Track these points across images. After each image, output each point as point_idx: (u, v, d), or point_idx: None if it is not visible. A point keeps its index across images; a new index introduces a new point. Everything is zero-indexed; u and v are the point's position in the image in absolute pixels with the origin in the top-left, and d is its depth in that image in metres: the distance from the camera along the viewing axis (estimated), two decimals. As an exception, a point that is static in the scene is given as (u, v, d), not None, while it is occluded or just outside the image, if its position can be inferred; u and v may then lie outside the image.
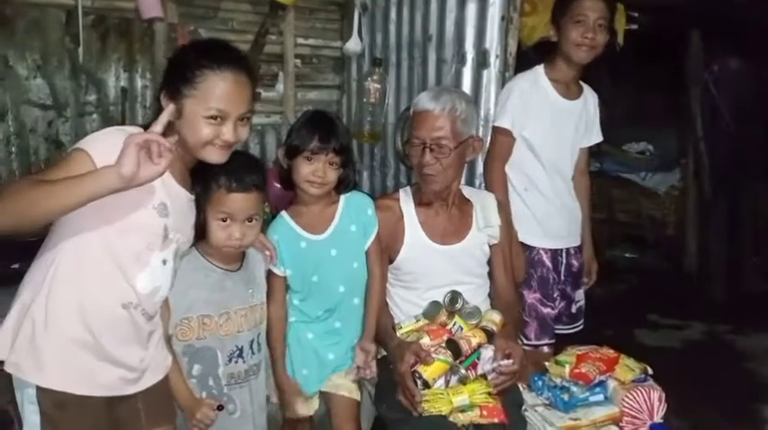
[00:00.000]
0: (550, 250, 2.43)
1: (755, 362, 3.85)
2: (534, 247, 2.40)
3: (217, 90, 1.52)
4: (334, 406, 2.09)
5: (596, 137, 2.54)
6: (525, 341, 2.38)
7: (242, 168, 1.71)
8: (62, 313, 1.47)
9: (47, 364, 1.46)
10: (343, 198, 2.05)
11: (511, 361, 1.88)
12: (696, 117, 5.14)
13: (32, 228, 1.38)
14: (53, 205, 1.32)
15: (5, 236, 1.33)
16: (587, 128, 2.50)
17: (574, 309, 2.52)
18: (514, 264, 2.29)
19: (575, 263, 2.51)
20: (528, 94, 2.35)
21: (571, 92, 2.42)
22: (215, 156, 1.59)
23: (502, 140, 2.37)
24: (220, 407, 1.81)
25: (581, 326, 2.55)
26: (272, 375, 2.06)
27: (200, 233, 1.77)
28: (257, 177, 1.78)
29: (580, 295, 2.55)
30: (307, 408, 2.06)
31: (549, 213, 2.41)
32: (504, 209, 2.23)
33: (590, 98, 2.50)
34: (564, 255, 2.47)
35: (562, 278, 2.47)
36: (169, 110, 1.46)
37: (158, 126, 1.42)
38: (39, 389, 1.47)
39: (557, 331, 2.47)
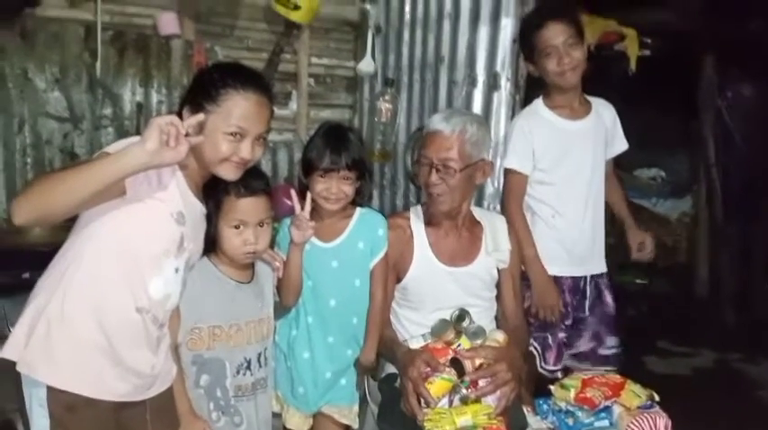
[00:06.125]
0: (572, 278, 2.37)
1: (766, 390, 3.80)
2: (561, 277, 2.35)
3: (239, 109, 1.59)
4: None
5: (620, 145, 2.50)
6: (546, 367, 2.33)
7: (247, 175, 1.74)
8: (77, 314, 1.49)
9: (60, 364, 1.47)
10: (357, 214, 2.06)
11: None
12: (708, 143, 5.13)
13: (60, 215, 1.38)
14: (80, 185, 1.33)
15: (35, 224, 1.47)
16: (608, 140, 2.45)
17: (605, 352, 2.41)
18: (539, 294, 2.27)
19: (609, 301, 2.42)
20: (527, 130, 2.33)
21: (578, 112, 2.38)
22: (230, 172, 1.64)
23: (513, 180, 2.35)
24: None
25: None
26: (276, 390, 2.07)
27: (211, 246, 1.81)
28: (263, 182, 1.84)
29: (613, 342, 2.41)
30: (304, 424, 2.08)
31: (576, 238, 2.35)
32: (516, 237, 2.21)
33: (603, 111, 2.45)
34: (588, 282, 2.40)
35: (587, 312, 2.40)
36: (198, 117, 1.51)
37: (184, 127, 1.45)
38: (49, 390, 1.48)
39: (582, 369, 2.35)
